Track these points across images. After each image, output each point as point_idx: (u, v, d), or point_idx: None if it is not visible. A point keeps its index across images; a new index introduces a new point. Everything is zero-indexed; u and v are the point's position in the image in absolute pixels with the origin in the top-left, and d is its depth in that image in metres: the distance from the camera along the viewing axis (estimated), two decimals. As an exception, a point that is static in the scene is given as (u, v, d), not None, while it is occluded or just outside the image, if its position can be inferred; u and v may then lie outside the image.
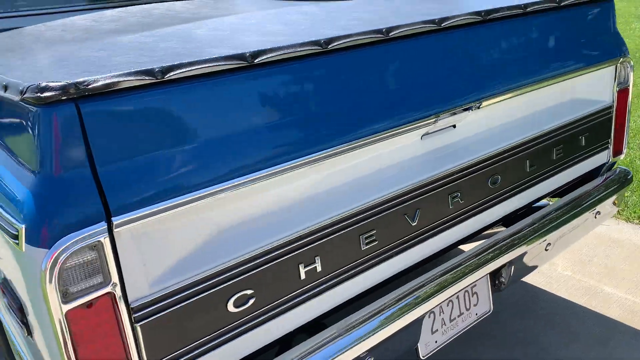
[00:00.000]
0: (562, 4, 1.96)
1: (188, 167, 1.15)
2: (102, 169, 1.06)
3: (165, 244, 1.15)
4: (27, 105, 1.06)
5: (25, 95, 1.01)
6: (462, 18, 1.67)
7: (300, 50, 1.33)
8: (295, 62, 1.35)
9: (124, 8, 2.62)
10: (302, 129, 1.36)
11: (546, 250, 2.05)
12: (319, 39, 1.36)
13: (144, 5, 2.72)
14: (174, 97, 1.15)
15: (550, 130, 2.03)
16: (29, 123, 1.06)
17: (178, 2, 2.80)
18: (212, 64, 1.19)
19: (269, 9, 2.20)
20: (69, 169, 1.03)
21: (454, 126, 1.69)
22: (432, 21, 1.60)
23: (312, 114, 1.39)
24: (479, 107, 1.70)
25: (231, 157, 1.22)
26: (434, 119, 1.59)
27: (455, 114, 1.66)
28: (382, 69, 1.53)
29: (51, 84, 1.00)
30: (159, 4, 2.74)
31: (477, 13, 1.71)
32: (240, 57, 1.23)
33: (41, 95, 0.99)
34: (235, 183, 1.21)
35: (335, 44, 1.38)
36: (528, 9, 1.85)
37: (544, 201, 2.27)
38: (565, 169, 2.14)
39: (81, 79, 1.02)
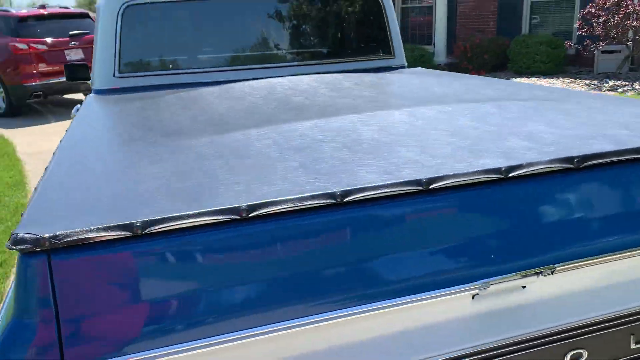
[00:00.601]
0: None
1: (153, 325, 1.13)
2: (65, 318, 1.08)
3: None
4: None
5: (8, 243, 1.08)
6: (547, 166, 1.41)
7: (312, 204, 1.24)
8: (304, 214, 1.25)
9: (250, 82, 2.72)
10: (304, 289, 1.24)
11: None
12: (334, 191, 1.25)
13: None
14: (148, 251, 1.14)
15: None
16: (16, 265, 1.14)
17: (305, 77, 2.83)
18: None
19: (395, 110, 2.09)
20: (30, 316, 1.08)
21: (524, 287, 1.43)
22: (496, 170, 1.37)
23: (322, 272, 1.26)
24: (551, 273, 1.41)
25: (209, 315, 1.17)
26: (481, 286, 1.35)
27: (525, 276, 1.39)
28: (427, 221, 1.35)
29: (27, 237, 1.06)
30: (280, 78, 2.81)
31: (568, 160, 1.43)
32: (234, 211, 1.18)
33: (15, 247, 1.05)
34: (210, 342, 1.16)
35: (351, 198, 1.26)
36: None
37: None
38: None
39: (56, 233, 1.07)
